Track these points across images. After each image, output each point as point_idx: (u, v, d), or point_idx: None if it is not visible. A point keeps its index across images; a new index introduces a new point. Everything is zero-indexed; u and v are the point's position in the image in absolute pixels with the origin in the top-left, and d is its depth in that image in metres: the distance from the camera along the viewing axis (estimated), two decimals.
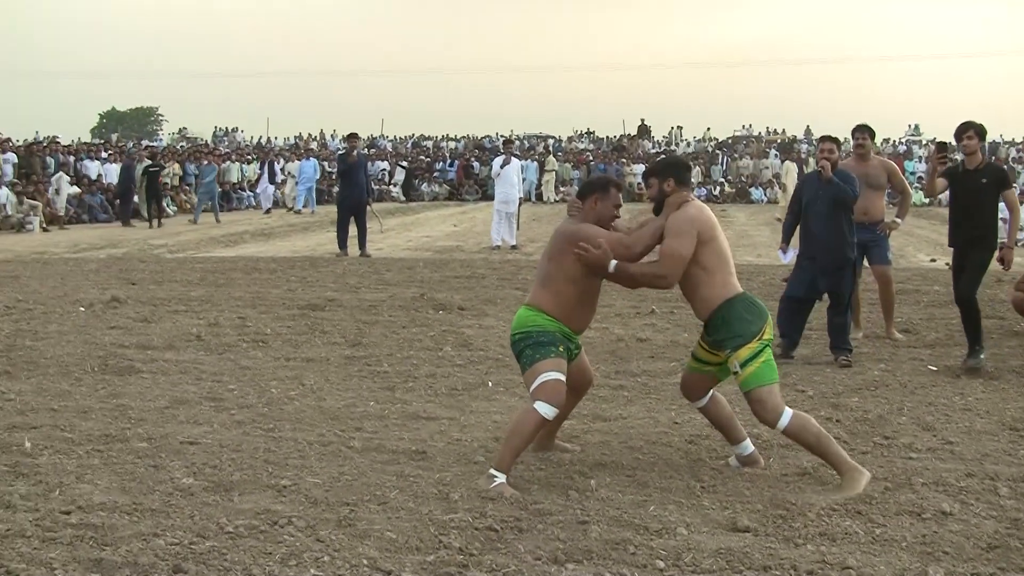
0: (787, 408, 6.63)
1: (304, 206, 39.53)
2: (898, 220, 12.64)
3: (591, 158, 55.52)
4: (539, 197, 48.80)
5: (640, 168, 51.99)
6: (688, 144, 63.39)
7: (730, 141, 64.14)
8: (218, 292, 15.89)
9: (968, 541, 5.62)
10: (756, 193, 51.08)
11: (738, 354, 6.62)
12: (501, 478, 6.45)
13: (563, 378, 6.64)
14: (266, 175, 41.83)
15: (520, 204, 24.50)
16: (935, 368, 10.43)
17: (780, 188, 35.03)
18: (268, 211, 40.00)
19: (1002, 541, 5.62)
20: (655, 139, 65.13)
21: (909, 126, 67.32)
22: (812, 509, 6.05)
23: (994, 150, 61.08)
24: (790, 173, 31.70)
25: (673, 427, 8.07)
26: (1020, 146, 62.10)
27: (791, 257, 11.76)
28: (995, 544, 5.58)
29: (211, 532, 5.67)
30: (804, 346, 11.37)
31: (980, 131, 10.49)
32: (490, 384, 9.56)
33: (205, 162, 36.90)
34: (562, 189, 49.52)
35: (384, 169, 54.22)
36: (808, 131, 64.03)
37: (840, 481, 6.50)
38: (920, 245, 27.44)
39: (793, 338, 11.01)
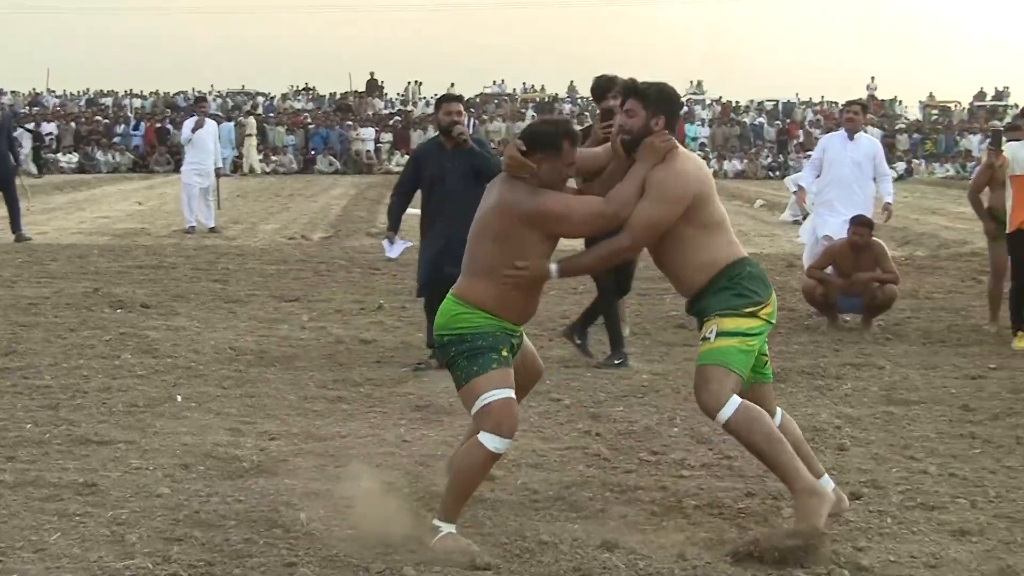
0: (736, 398, 6.20)
1: None
2: None
3: (309, 120, 55.25)
4: (242, 167, 48.06)
5: (369, 132, 52.02)
6: (428, 103, 63.70)
7: (478, 100, 64.73)
8: None
9: (746, 571, 5.82)
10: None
11: (721, 321, 6.26)
12: (448, 528, 6.12)
13: (511, 395, 6.20)
14: None
15: (219, 177, 24.16)
16: None
17: None
18: None
19: (784, 570, 5.84)
20: (388, 97, 65.24)
21: (691, 83, 69.37)
22: (565, 541, 6.17)
23: (789, 111, 63.61)
24: None
25: (402, 446, 8.11)
26: (816, 107, 64.76)
27: (395, 251, 11.56)
28: (777, 572, 5.81)
29: None
30: (561, 348, 11.60)
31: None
32: (179, 399, 9.41)
33: None
34: (273, 158, 49.06)
35: (50, 134, 52.49)
36: (572, 88, 65.27)
37: (793, 507, 6.23)
38: None
39: None
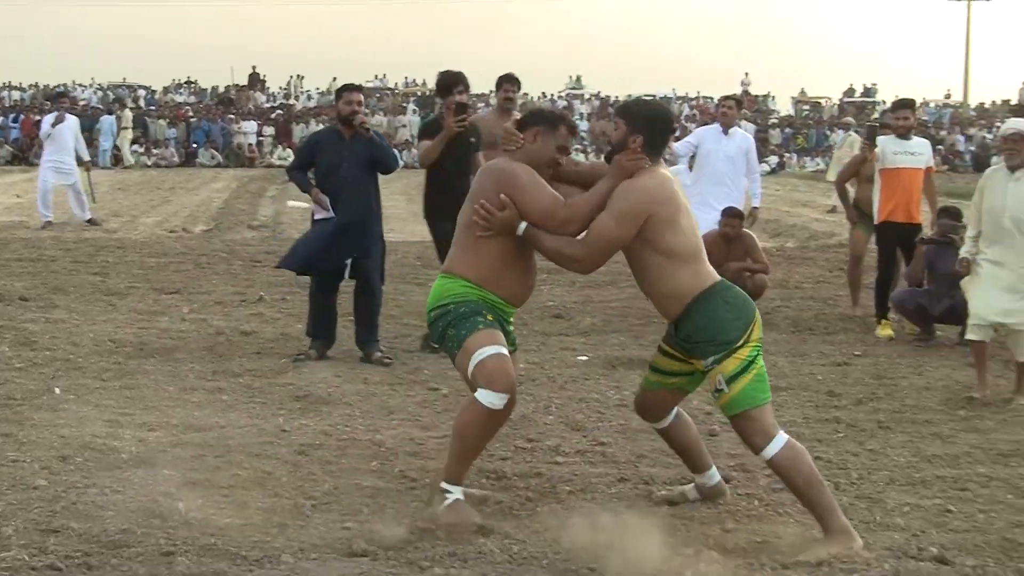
0: (781, 433, 6.19)
1: None
2: None
3: (191, 113, 54.66)
4: (118, 160, 47.20)
5: (251, 126, 51.57)
6: (310, 97, 63.35)
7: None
8: None
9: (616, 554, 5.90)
10: None
11: (723, 367, 6.15)
12: (454, 494, 6.17)
13: (504, 351, 6.19)
14: None
15: (88, 170, 23.55)
16: (585, 358, 10.89)
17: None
18: None
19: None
20: (270, 91, 64.76)
21: (571, 77, 69.62)
22: (441, 527, 6.20)
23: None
24: None
25: (281, 436, 8.06)
26: (692, 102, 65.34)
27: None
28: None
29: None
30: None
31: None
32: (57, 391, 9.26)
33: None
34: (155, 152, 48.45)
35: None
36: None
37: (820, 538, 6.08)
38: None
39: (329, 337, 10.85)
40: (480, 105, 43.49)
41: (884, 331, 12.40)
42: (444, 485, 6.19)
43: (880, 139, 12.60)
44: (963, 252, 9.81)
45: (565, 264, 6.46)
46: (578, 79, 69.48)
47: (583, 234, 6.28)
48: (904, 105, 13.07)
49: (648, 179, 6.23)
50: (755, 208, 14.28)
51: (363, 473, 7.21)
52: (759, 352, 6.25)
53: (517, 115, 12.77)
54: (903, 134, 12.51)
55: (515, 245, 6.34)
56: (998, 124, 54.81)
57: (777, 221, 25.22)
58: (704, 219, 13.95)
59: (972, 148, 54.39)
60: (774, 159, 51.36)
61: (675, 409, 6.76)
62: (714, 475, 6.79)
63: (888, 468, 7.53)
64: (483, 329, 6.19)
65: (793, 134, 58.30)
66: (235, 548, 5.86)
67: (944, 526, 6.46)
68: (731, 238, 13.17)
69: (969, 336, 9.88)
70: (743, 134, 14.50)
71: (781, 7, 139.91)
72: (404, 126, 54.86)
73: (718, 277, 6.38)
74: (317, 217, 10.56)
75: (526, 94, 65.10)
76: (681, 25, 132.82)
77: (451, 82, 10.97)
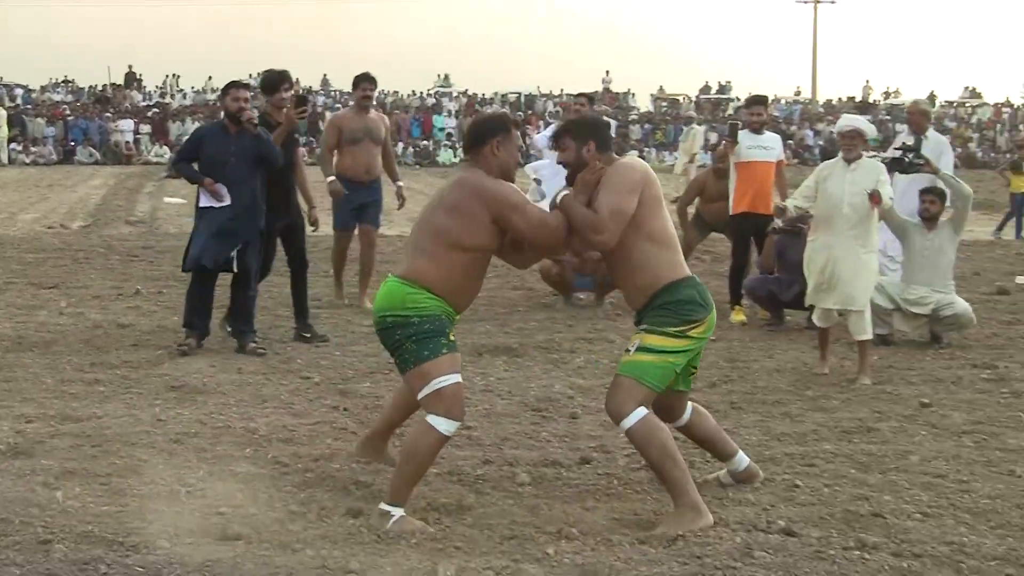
0: (642, 410, 6.16)
1: None
2: (400, 183, 13.52)
3: (68, 112, 53.71)
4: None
5: (128, 124, 50.88)
6: (185, 96, 62.55)
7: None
8: None
9: (482, 533, 5.93)
10: None
11: (648, 337, 6.22)
12: (398, 512, 6.01)
13: (459, 379, 6.17)
14: None
15: None
16: None
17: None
18: None
19: (518, 531, 5.96)
20: (146, 89, 63.82)
21: (439, 76, 69.52)
22: (312, 510, 6.19)
23: (530, 103, 64.30)
24: None
25: (157, 425, 7.97)
26: (556, 99, 65.58)
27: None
28: (511, 534, 5.92)
29: None
30: (320, 324, 11.60)
31: None
32: None
33: None
34: (33, 150, 47.55)
35: None
36: (326, 80, 64.75)
37: (668, 512, 6.20)
38: None
39: (204, 328, 10.67)
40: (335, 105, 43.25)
41: (737, 317, 12.60)
42: (386, 507, 6.05)
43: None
44: (788, 203, 10.29)
45: (589, 236, 6.17)
46: (446, 77, 69.34)
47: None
48: (757, 102, 13.30)
49: (628, 162, 6.37)
50: None
51: (237, 460, 7.16)
52: (689, 350, 6.28)
53: (374, 113, 12.92)
54: (756, 129, 12.71)
55: (484, 260, 6.30)
56: None
57: None
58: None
59: (820, 142, 55.29)
60: (634, 153, 51.63)
61: (690, 405, 6.72)
62: (742, 459, 6.83)
63: (740, 446, 7.62)
64: (445, 355, 6.12)
65: (652, 129, 58.83)
66: (111, 535, 5.79)
67: (792, 500, 6.58)
68: None
69: (813, 319, 10.27)
70: None
71: (641, 8, 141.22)
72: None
73: (687, 272, 6.39)
74: (203, 205, 10.41)
75: (396, 92, 65.04)
76: (545, 25, 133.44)
77: (277, 81, 11.09)
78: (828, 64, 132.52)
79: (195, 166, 10.51)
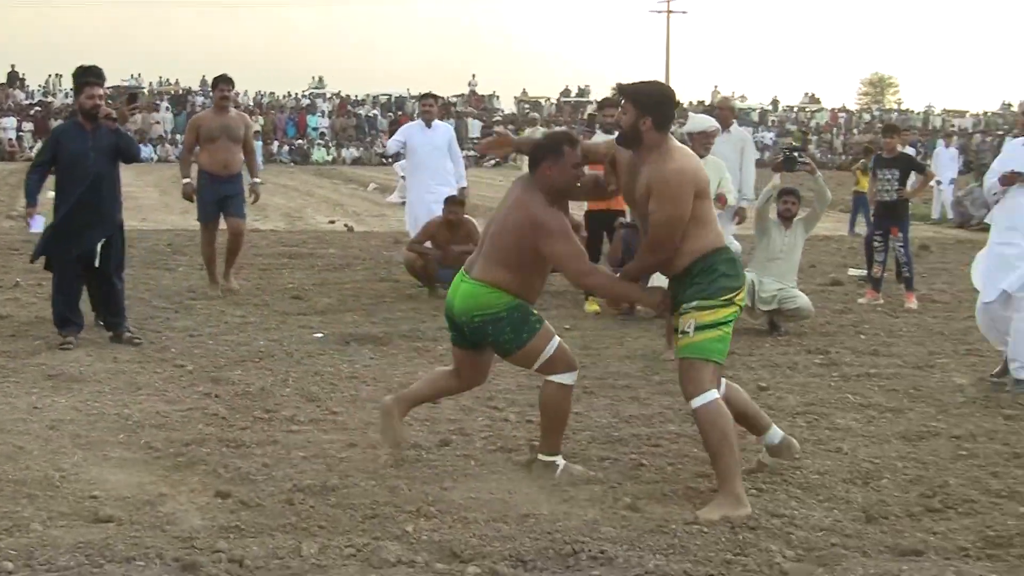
0: (713, 391, 6.19)
1: None
2: (256, 180, 13.71)
3: None
4: None
5: (11, 121, 49.87)
6: (67, 95, 61.22)
7: (116, 93, 62.63)
8: None
9: (345, 513, 5.89)
10: (146, 151, 50.45)
11: (700, 315, 6.16)
12: (560, 461, 6.62)
13: (558, 340, 6.62)
14: None
15: None
16: (321, 335, 10.85)
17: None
18: None
19: (379, 510, 5.93)
20: (29, 88, 62.44)
21: (313, 78, 69.04)
22: (182, 492, 6.12)
23: (400, 104, 64.05)
24: None
25: (33, 413, 7.78)
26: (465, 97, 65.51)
27: (39, 225, 11.05)
28: (372, 514, 5.89)
29: None
30: (188, 316, 11.48)
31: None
32: None
33: None
34: None
35: None
36: (204, 81, 63.86)
37: (713, 498, 6.17)
38: (320, 206, 28.32)
39: (79, 321, 10.40)
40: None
41: (591, 307, 12.68)
42: (548, 458, 6.62)
43: (596, 137, 12.91)
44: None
45: (657, 258, 6.33)
46: (320, 79, 68.91)
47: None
48: (610, 104, 13.42)
49: (688, 160, 6.24)
50: (463, 188, 14.56)
51: (111, 445, 7.03)
52: (733, 318, 6.27)
53: (234, 112, 12.98)
54: (609, 130, 12.80)
55: (544, 267, 6.58)
56: None
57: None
58: (426, 199, 14.24)
59: None
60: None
61: (723, 381, 6.57)
62: (776, 433, 6.82)
63: (591, 428, 7.71)
64: (540, 330, 6.54)
65: (515, 131, 58.88)
66: None
67: (637, 478, 6.64)
68: (454, 224, 13.27)
69: None
70: (445, 126, 14.97)
71: (506, 14, 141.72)
72: (158, 123, 53.79)
73: (724, 242, 6.37)
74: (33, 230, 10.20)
75: (273, 92, 64.47)
76: (414, 30, 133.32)
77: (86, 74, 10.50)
78: (680, 70, 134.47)
79: (55, 167, 10.27)
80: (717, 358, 6.22)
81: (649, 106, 6.21)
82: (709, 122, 10.73)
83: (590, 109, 59.21)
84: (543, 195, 6.44)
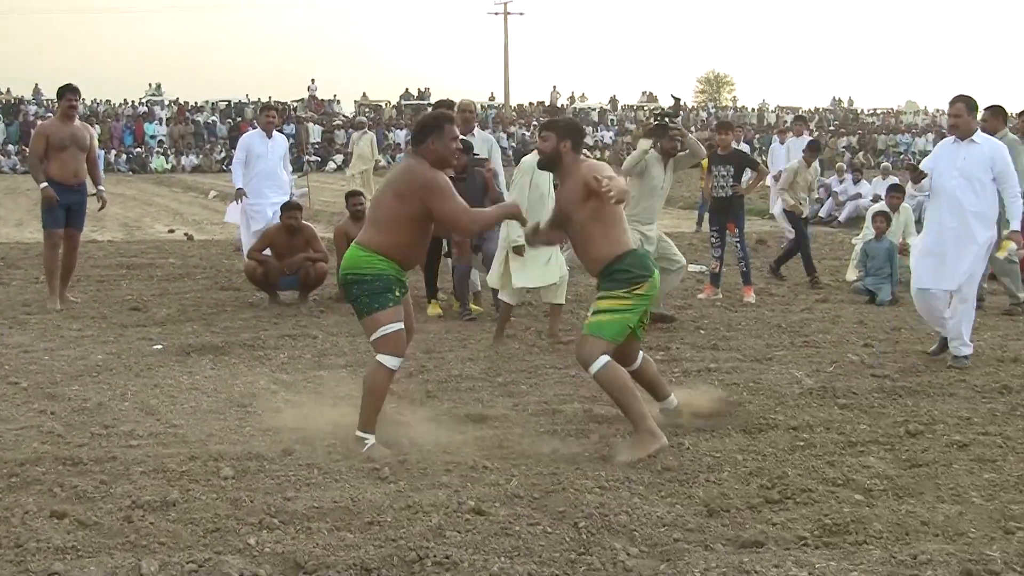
0: (604, 358, 7.20)
1: None
2: (101, 188, 13.57)
3: None
4: None
5: None
6: None
7: None
8: None
9: (186, 528, 5.76)
10: None
11: (598, 303, 7.35)
12: (371, 439, 7.20)
13: (402, 327, 7.22)
14: None
15: None
16: (161, 346, 10.62)
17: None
18: None
19: (221, 523, 5.81)
20: None
21: (150, 85, 67.88)
22: (16, 515, 5.91)
23: (240, 110, 63.28)
24: None
25: None
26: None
27: None
28: (214, 527, 5.76)
29: None
30: (22, 332, 11.17)
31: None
32: None
33: None
34: None
35: None
36: (37, 89, 62.32)
37: (627, 439, 7.33)
38: (159, 215, 27.82)
39: None
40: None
41: (433, 310, 12.65)
42: (361, 434, 7.22)
43: None
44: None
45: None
46: (158, 86, 67.76)
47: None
48: (442, 106, 13.37)
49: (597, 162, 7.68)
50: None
51: None
52: (635, 308, 7.33)
53: (79, 122, 12.83)
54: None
55: (427, 228, 7.27)
56: (535, 123, 57.15)
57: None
58: (261, 205, 14.18)
59: (513, 144, 56.27)
60: (340, 158, 51.77)
61: (640, 354, 7.82)
62: (672, 400, 8.02)
63: (433, 432, 7.66)
64: (391, 307, 7.17)
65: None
66: None
67: (481, 481, 6.61)
68: (294, 230, 13.15)
69: (502, 298, 11.16)
70: (282, 137, 14.97)
71: (344, 18, 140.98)
72: None
73: (633, 246, 7.55)
74: None
75: (108, 100, 63.10)
76: (252, 34, 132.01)
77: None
78: (518, 71, 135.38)
79: None
80: (606, 336, 7.25)
81: (566, 132, 7.57)
82: None
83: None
84: (428, 164, 7.23)
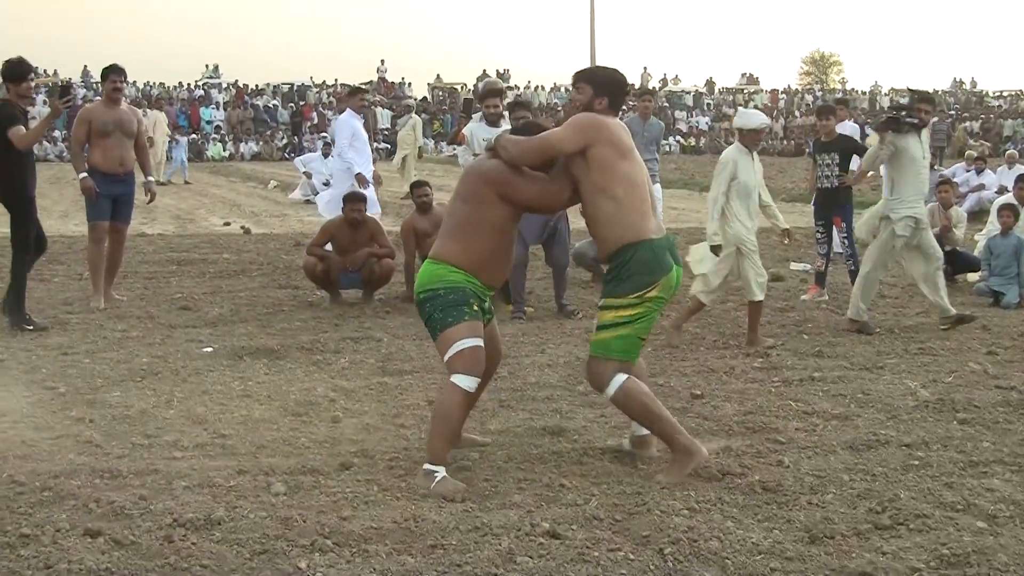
0: (618, 376, 6.89)
1: None
2: (151, 178, 13.72)
3: None
4: None
5: None
6: None
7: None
8: None
9: (231, 549, 5.70)
10: None
11: (602, 314, 6.97)
12: (440, 472, 6.72)
13: (480, 343, 6.87)
14: None
15: None
16: (211, 349, 10.64)
17: None
18: None
19: (269, 545, 5.76)
20: None
21: (207, 66, 68.58)
22: (47, 533, 5.90)
23: (302, 94, 63.78)
24: None
25: None
26: (331, 89, 65.13)
27: None
28: (261, 549, 5.71)
29: None
30: (63, 332, 11.21)
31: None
32: None
33: None
34: None
35: None
36: (86, 71, 63.11)
37: (666, 462, 7.06)
38: (214, 207, 28.02)
39: None
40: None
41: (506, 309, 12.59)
42: (430, 467, 6.76)
43: (470, 126, 12.95)
44: None
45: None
46: (215, 68, 68.46)
47: None
48: (492, 94, 13.26)
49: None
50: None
51: None
52: (647, 314, 6.90)
53: (125, 105, 12.94)
54: (493, 121, 12.77)
55: (505, 239, 7.01)
56: (625, 106, 57.19)
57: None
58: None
59: None
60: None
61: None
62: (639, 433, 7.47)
63: (506, 446, 7.59)
64: (467, 320, 6.83)
65: (429, 119, 58.74)
66: None
67: (558, 501, 6.52)
68: (357, 223, 13.13)
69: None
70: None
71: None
72: (34, 118, 52.88)
73: (653, 236, 6.92)
74: None
75: (162, 83, 63.81)
76: (315, 13, 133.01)
77: (24, 70, 11.29)
78: (605, 51, 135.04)
79: None
80: (616, 356, 6.93)
81: (603, 86, 7.09)
82: (761, 119, 11.00)
83: (464, 94, 59.24)
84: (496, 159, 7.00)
